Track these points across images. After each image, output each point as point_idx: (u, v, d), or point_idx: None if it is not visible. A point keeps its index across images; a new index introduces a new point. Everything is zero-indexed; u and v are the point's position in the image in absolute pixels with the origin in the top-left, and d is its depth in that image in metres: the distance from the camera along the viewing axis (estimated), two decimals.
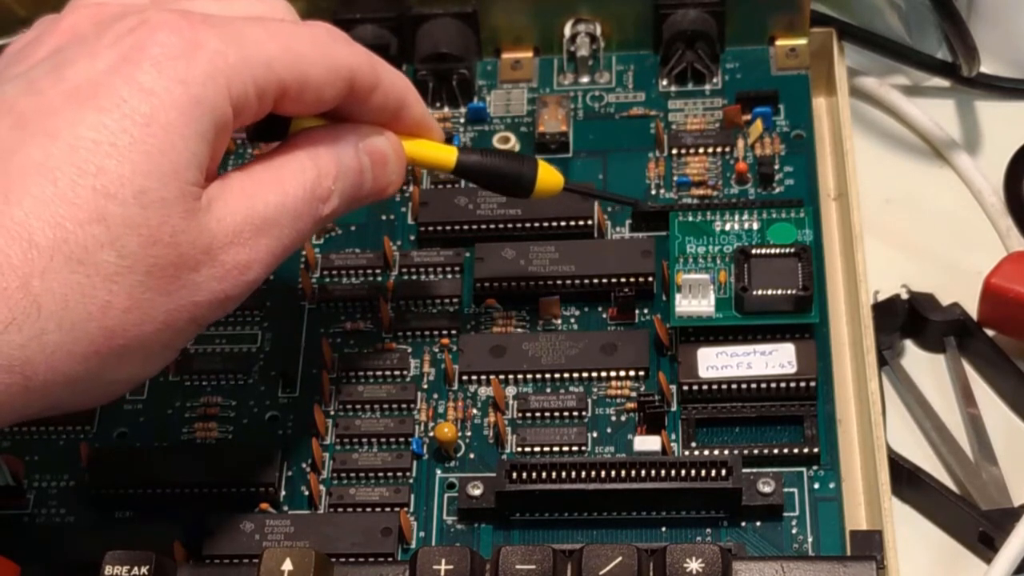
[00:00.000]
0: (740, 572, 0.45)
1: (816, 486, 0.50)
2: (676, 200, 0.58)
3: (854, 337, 0.55)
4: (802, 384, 0.51)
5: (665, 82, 0.62)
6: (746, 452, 0.51)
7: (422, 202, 0.58)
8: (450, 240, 0.57)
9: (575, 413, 0.53)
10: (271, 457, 0.52)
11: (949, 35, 0.61)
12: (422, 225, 0.57)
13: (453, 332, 0.55)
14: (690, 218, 0.55)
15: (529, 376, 0.54)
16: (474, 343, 0.54)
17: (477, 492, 0.50)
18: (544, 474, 0.50)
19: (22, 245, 0.40)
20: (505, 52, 0.63)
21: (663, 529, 0.50)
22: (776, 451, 0.51)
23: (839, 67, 0.62)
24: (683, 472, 0.49)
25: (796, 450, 0.51)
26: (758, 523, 0.50)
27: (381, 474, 0.52)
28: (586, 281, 0.55)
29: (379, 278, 0.57)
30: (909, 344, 0.59)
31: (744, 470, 0.49)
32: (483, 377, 0.54)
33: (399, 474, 0.52)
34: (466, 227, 0.57)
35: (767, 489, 0.49)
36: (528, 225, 0.56)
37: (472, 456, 0.52)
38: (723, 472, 0.49)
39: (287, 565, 0.45)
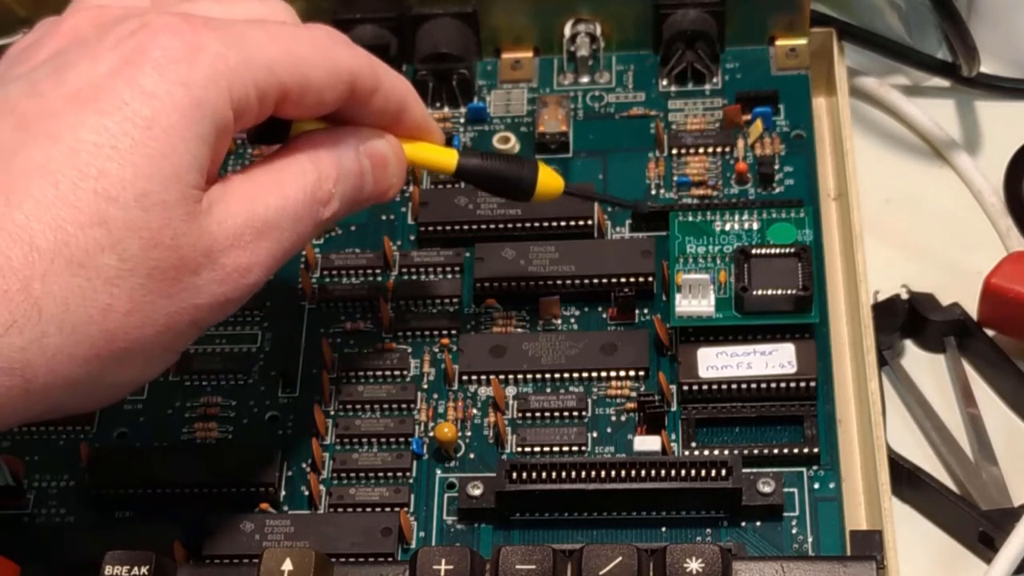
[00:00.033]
0: (740, 572, 0.45)
1: (816, 486, 0.50)
2: (676, 200, 0.58)
3: (854, 337, 0.55)
4: (802, 384, 0.51)
5: (665, 82, 0.62)
6: (746, 452, 0.51)
7: (422, 202, 0.58)
8: (450, 240, 0.57)
9: (575, 413, 0.53)
10: (271, 457, 0.52)
11: (949, 35, 0.61)
12: (422, 225, 0.57)
13: (453, 332, 0.55)
14: (690, 218, 0.55)
15: (529, 376, 0.54)
16: (474, 343, 0.54)
17: (477, 492, 0.50)
18: (544, 474, 0.50)
19: (23, 248, 0.40)
20: (505, 52, 0.63)
21: (663, 529, 0.50)
22: (776, 451, 0.51)
23: (839, 67, 0.62)
24: (683, 472, 0.49)
25: (796, 450, 0.51)
26: (758, 523, 0.50)
27: (381, 474, 0.52)
28: (586, 281, 0.55)
29: (379, 278, 0.57)
30: (909, 344, 0.59)
31: (744, 470, 0.49)
32: (483, 377, 0.54)
33: (399, 474, 0.52)
34: (466, 227, 0.57)
35: (767, 489, 0.49)
36: (528, 225, 0.56)
37: (472, 456, 0.52)
38: (723, 472, 0.49)
39: (287, 565, 0.45)
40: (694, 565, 0.44)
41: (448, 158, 0.50)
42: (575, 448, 0.52)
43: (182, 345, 0.44)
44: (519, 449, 0.52)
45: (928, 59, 0.64)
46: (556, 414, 0.53)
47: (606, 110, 0.61)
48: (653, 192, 0.58)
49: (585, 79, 0.62)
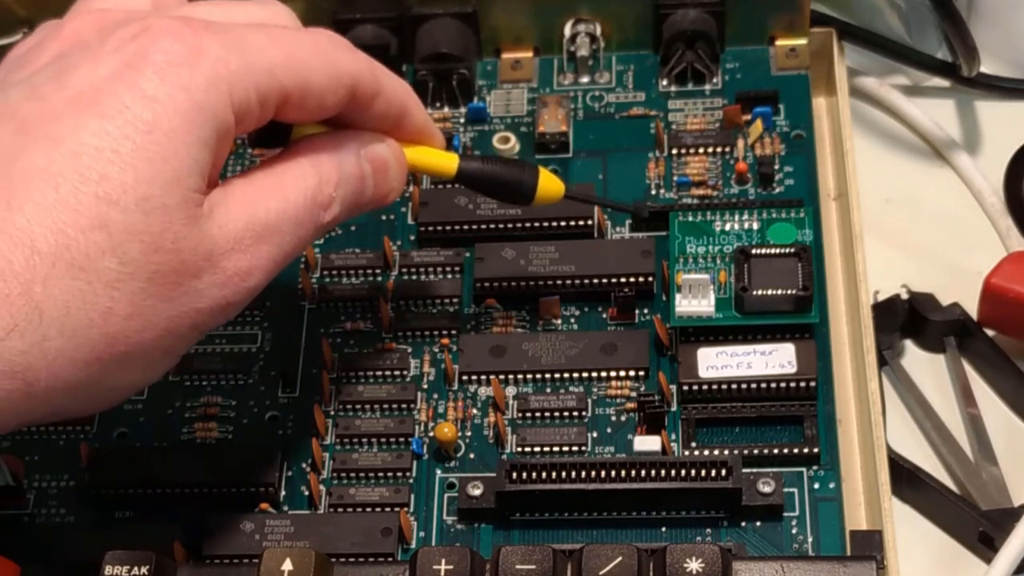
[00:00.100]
0: (740, 572, 0.45)
1: (816, 486, 0.50)
2: (676, 200, 0.58)
3: (854, 337, 0.55)
4: (802, 384, 0.51)
5: (665, 82, 0.62)
6: (746, 452, 0.51)
7: (422, 202, 0.58)
8: (450, 240, 0.57)
9: (575, 413, 0.53)
10: (271, 457, 0.52)
11: (949, 35, 0.61)
12: (422, 225, 0.57)
13: (453, 332, 0.55)
14: (690, 218, 0.55)
15: (529, 376, 0.54)
16: (474, 343, 0.54)
17: (477, 492, 0.50)
18: (544, 474, 0.50)
19: (24, 251, 0.40)
20: (505, 52, 0.63)
21: (663, 529, 0.50)
22: (776, 451, 0.51)
23: (839, 67, 0.62)
24: (683, 472, 0.49)
25: (796, 450, 0.51)
26: (758, 523, 0.50)
27: (381, 474, 0.52)
28: (586, 281, 0.55)
29: (379, 278, 0.57)
30: (909, 344, 0.59)
31: (744, 470, 0.49)
32: (483, 377, 0.54)
33: (399, 474, 0.52)
34: (466, 227, 0.57)
35: (767, 489, 0.49)
36: (528, 225, 0.56)
37: (472, 456, 0.52)
38: (723, 472, 0.49)
39: (287, 565, 0.45)
40: (694, 565, 0.44)
41: (449, 162, 0.50)
42: (575, 448, 0.52)
43: (183, 349, 0.44)
44: (519, 449, 0.52)
45: (928, 59, 0.64)
46: (556, 414, 0.53)
47: (606, 110, 0.61)
48: (653, 192, 0.58)
49: (585, 79, 0.62)
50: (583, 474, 0.50)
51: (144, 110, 0.42)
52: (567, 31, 0.62)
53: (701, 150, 0.59)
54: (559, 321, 0.55)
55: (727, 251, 0.54)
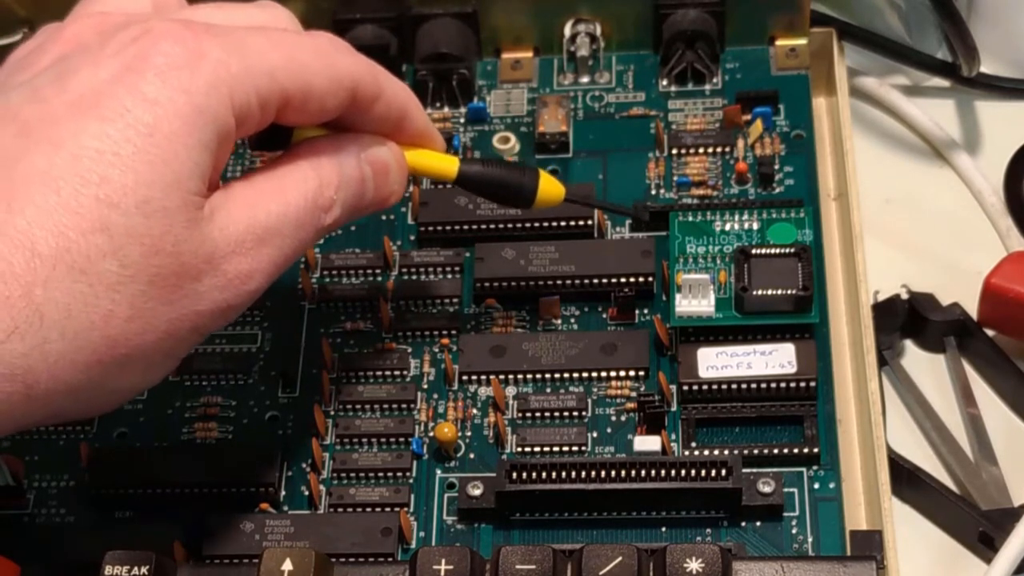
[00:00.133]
0: (740, 572, 0.45)
1: (816, 486, 0.50)
2: (676, 200, 0.58)
3: (854, 337, 0.55)
4: (802, 384, 0.51)
5: (665, 82, 0.62)
6: (746, 452, 0.51)
7: (422, 202, 0.58)
8: (450, 240, 0.57)
9: (575, 413, 0.53)
10: (271, 457, 0.52)
11: (949, 35, 0.61)
12: (422, 225, 0.57)
13: (453, 332, 0.55)
14: (690, 218, 0.55)
15: (529, 376, 0.54)
16: (474, 343, 0.54)
17: (477, 492, 0.50)
18: (544, 474, 0.50)
19: (25, 254, 0.40)
20: (505, 52, 0.63)
21: (663, 529, 0.50)
22: (776, 451, 0.51)
23: (839, 67, 0.62)
24: (683, 472, 0.49)
25: (796, 450, 0.51)
26: (758, 523, 0.50)
27: (381, 474, 0.52)
28: (586, 281, 0.55)
29: (379, 278, 0.57)
30: (909, 344, 0.59)
31: (744, 470, 0.49)
32: (483, 377, 0.54)
33: (399, 474, 0.52)
34: (466, 227, 0.57)
35: (767, 489, 0.49)
36: (528, 225, 0.56)
37: (472, 456, 0.52)
38: (723, 472, 0.49)
39: (287, 565, 0.45)
40: (694, 565, 0.44)
41: (449, 165, 0.50)
42: (575, 448, 0.52)
43: (183, 351, 0.44)
44: (519, 449, 0.52)
45: (928, 59, 0.64)
46: (556, 414, 0.53)
47: (606, 110, 0.61)
48: (653, 192, 0.58)
49: (585, 79, 0.62)
50: (583, 474, 0.50)
51: (145, 113, 0.42)
52: (567, 31, 0.62)
53: (701, 150, 0.59)
54: (559, 321, 0.55)
55: (727, 251, 0.54)
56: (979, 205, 0.62)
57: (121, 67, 0.42)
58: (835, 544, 0.49)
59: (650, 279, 0.55)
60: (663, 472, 0.49)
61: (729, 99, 0.60)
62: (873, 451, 0.50)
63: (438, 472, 0.52)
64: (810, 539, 0.49)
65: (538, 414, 0.53)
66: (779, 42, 0.62)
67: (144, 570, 0.46)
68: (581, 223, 0.56)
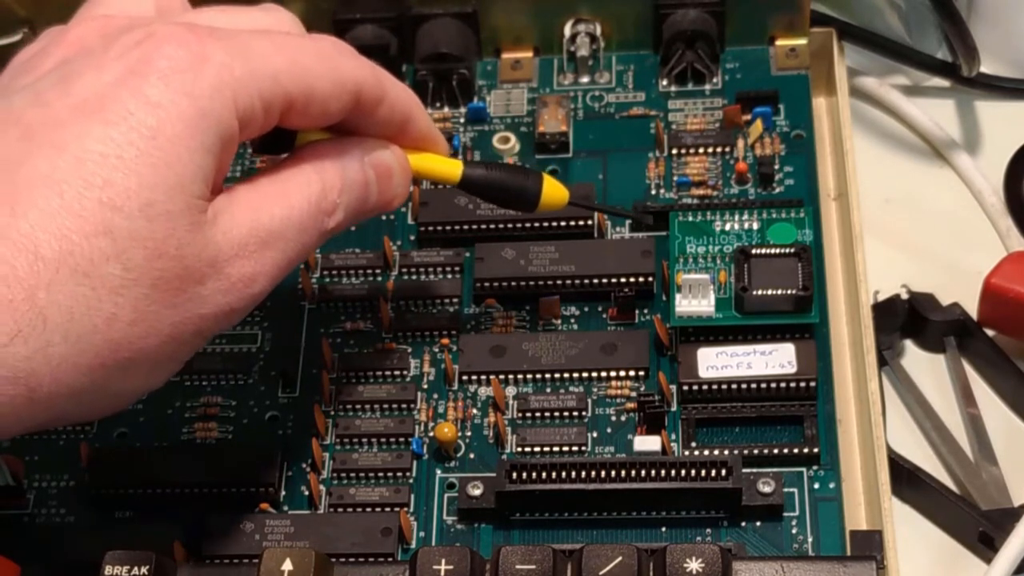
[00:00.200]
0: (740, 572, 0.45)
1: (816, 486, 0.50)
2: (676, 200, 0.58)
3: (854, 337, 0.55)
4: (802, 384, 0.51)
5: (665, 82, 0.62)
6: (746, 452, 0.51)
7: (422, 202, 0.58)
8: (450, 240, 0.57)
9: (575, 413, 0.53)
10: (271, 457, 0.52)
11: (949, 35, 0.61)
12: (422, 225, 0.57)
13: (453, 332, 0.55)
14: (690, 218, 0.55)
15: (529, 376, 0.54)
16: (474, 343, 0.54)
17: (477, 492, 0.50)
18: (544, 474, 0.50)
19: (28, 257, 0.40)
20: (505, 52, 0.63)
21: (663, 529, 0.50)
22: (776, 451, 0.51)
23: (839, 67, 0.62)
24: (683, 472, 0.49)
25: (796, 450, 0.51)
26: (758, 523, 0.50)
27: (381, 474, 0.52)
28: (586, 281, 0.55)
29: (379, 278, 0.57)
30: (909, 344, 0.59)
31: (744, 470, 0.49)
32: (483, 377, 0.54)
33: (399, 474, 0.52)
34: (466, 227, 0.57)
35: (767, 489, 0.49)
36: (528, 225, 0.56)
37: (472, 456, 0.52)
38: (723, 472, 0.49)
39: (287, 565, 0.45)
40: (694, 565, 0.44)
41: (453, 169, 0.50)
42: (575, 448, 0.52)
43: (186, 355, 0.44)
44: (519, 449, 0.52)
45: (928, 59, 0.64)
46: (556, 414, 0.53)
47: (606, 110, 0.61)
48: (653, 192, 0.58)
49: (585, 79, 0.62)
50: (583, 474, 0.50)
51: (148, 116, 0.42)
52: (567, 31, 0.62)
53: (701, 150, 0.59)
54: (559, 321, 0.55)
55: (727, 251, 0.54)
56: (979, 205, 0.62)
57: (125, 70, 0.42)
58: (835, 544, 0.49)
59: (650, 279, 0.55)
60: (663, 472, 0.49)
61: (729, 99, 0.60)
62: (873, 451, 0.50)
63: (438, 472, 0.52)
64: (810, 539, 0.49)
65: (538, 414, 0.53)
66: (779, 42, 0.62)
67: (144, 570, 0.46)
68: (581, 223, 0.56)
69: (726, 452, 0.50)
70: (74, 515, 0.52)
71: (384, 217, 0.59)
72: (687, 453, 0.51)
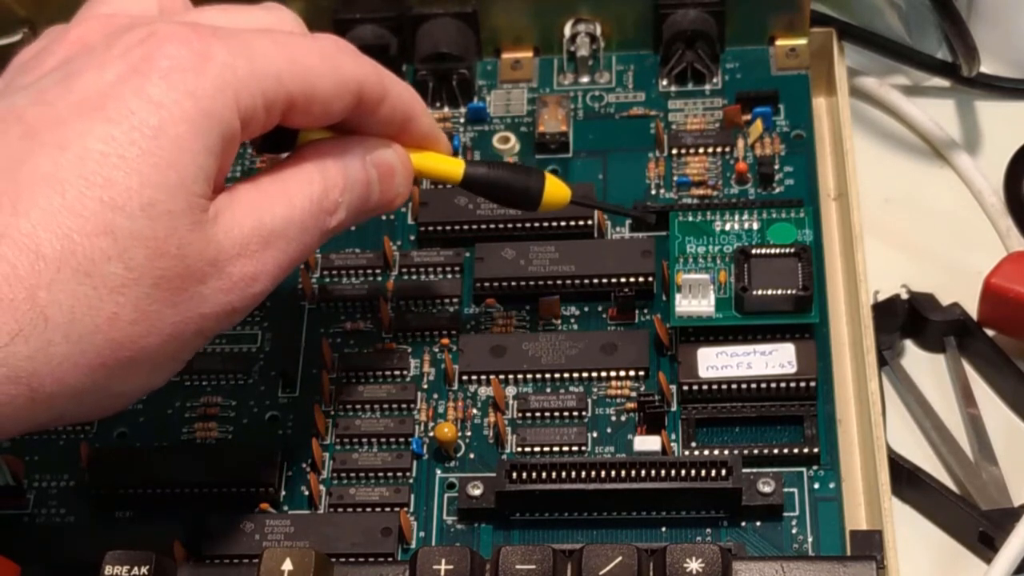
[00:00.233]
0: (740, 572, 0.45)
1: (816, 486, 0.50)
2: (676, 200, 0.58)
3: (854, 337, 0.55)
4: (802, 384, 0.51)
5: (665, 82, 0.62)
6: (746, 452, 0.51)
7: (422, 202, 0.58)
8: (450, 240, 0.57)
9: (575, 413, 0.53)
10: (271, 457, 0.52)
11: (949, 35, 0.61)
12: (422, 225, 0.57)
13: (453, 332, 0.55)
14: (690, 218, 0.55)
15: (529, 376, 0.54)
16: (474, 343, 0.54)
17: (477, 492, 0.50)
18: (544, 474, 0.50)
19: (29, 256, 0.40)
20: (505, 52, 0.63)
21: (663, 529, 0.50)
22: (776, 451, 0.51)
23: (839, 67, 0.62)
24: (683, 472, 0.49)
25: (796, 450, 0.51)
26: (758, 523, 0.50)
27: (381, 474, 0.52)
28: (586, 281, 0.55)
29: (379, 278, 0.57)
30: (909, 344, 0.59)
31: (744, 470, 0.49)
32: (483, 377, 0.54)
33: (399, 474, 0.52)
34: (466, 227, 0.57)
35: (767, 489, 0.49)
36: (528, 225, 0.56)
37: (472, 456, 0.52)
38: (723, 472, 0.49)
39: (287, 565, 0.45)
40: (694, 565, 0.44)
41: (455, 168, 0.50)
42: (575, 448, 0.52)
43: (188, 354, 0.44)
44: (519, 449, 0.52)
45: (928, 59, 0.64)
46: (556, 414, 0.53)
47: (606, 110, 0.61)
48: (653, 192, 0.58)
49: (585, 79, 0.62)
50: (583, 474, 0.50)
51: (150, 115, 0.42)
52: (567, 31, 0.62)
53: (701, 150, 0.59)
54: (559, 321, 0.55)
55: (727, 251, 0.54)
56: (979, 205, 0.62)
57: (127, 69, 0.42)
58: (835, 544, 0.49)
59: (650, 279, 0.55)
60: (663, 472, 0.49)
61: (729, 99, 0.60)
62: (873, 451, 0.50)
63: (438, 472, 0.52)
64: (810, 539, 0.49)
65: (538, 414, 0.53)
66: (779, 42, 0.62)
67: (144, 570, 0.46)
68: (581, 223, 0.56)
69: (726, 452, 0.50)
70: (74, 515, 0.52)
71: (384, 217, 0.59)
72: (687, 453, 0.51)
